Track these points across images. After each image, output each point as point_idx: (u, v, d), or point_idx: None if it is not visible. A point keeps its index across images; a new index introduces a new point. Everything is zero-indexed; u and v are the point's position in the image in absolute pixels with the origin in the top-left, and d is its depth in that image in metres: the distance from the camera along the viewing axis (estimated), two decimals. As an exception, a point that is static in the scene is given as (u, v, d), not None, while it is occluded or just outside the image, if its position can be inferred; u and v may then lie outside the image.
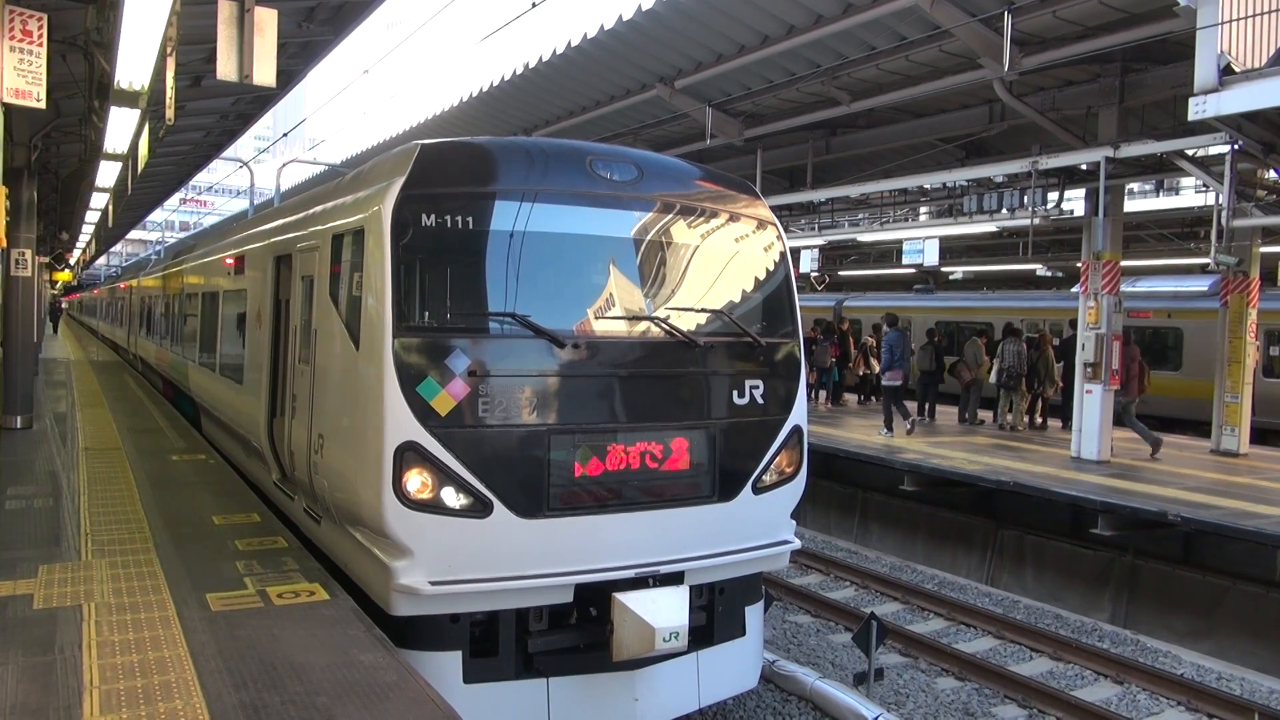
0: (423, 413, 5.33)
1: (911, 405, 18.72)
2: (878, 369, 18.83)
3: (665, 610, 5.69)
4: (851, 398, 21.65)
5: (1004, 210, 14.02)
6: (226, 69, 7.36)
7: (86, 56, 9.50)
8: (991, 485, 12.10)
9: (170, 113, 8.94)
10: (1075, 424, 13.72)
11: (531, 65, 16.21)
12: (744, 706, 7.74)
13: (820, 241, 19.33)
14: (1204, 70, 9.45)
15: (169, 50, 8.40)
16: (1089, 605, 11.27)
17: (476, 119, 19.35)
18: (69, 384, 19.05)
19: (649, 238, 6.22)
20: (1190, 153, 12.11)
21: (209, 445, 11.57)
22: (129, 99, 10.67)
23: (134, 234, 61.09)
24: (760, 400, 6.36)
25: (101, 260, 68.90)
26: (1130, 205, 23.07)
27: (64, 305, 66.30)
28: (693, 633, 5.93)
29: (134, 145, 13.34)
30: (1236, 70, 9.44)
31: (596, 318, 5.93)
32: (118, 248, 68.62)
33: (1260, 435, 16.38)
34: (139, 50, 8.74)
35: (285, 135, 23.27)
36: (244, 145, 27.12)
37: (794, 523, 6.77)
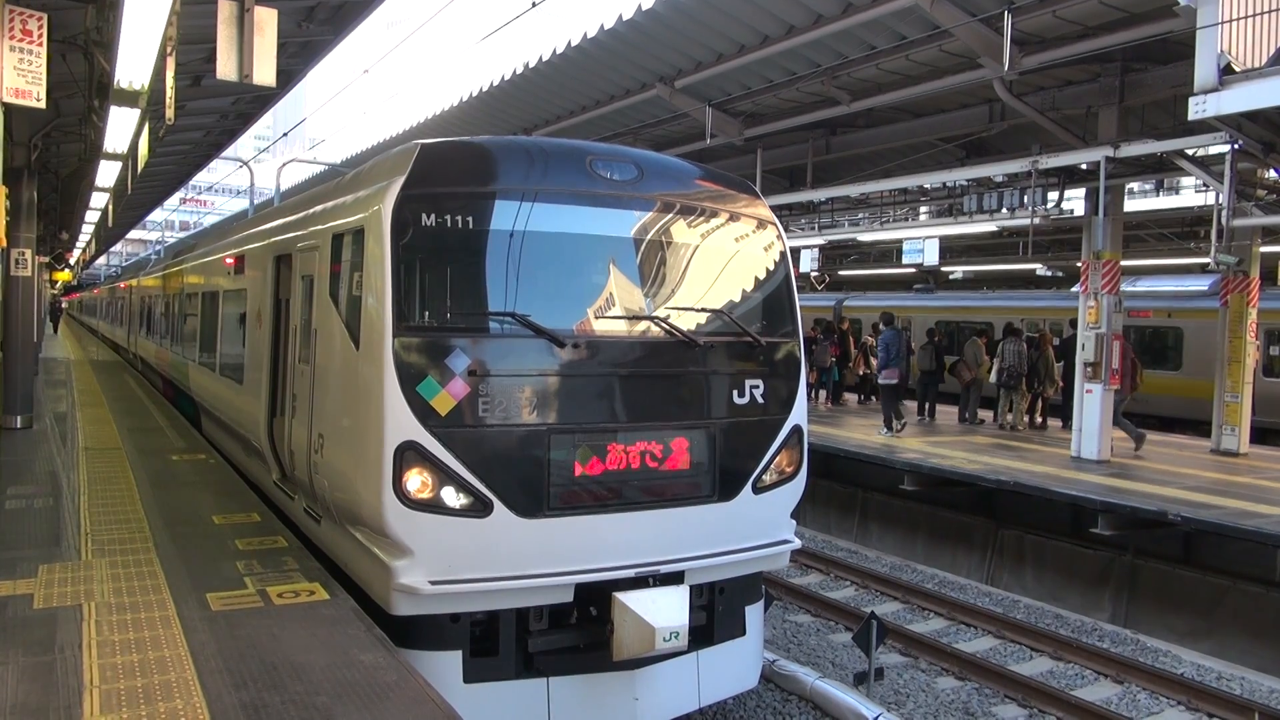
0: (423, 412, 5.33)
1: (911, 405, 18.79)
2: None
3: (665, 610, 5.69)
4: (851, 397, 21.65)
5: (1004, 210, 14.02)
6: (226, 69, 7.36)
7: (86, 56, 9.50)
8: (991, 485, 12.10)
9: (170, 112, 8.93)
10: (1075, 423, 13.73)
11: (531, 65, 16.21)
12: (744, 706, 7.74)
13: (820, 241, 19.34)
14: (1204, 70, 9.45)
15: (169, 50, 8.40)
16: (1089, 605, 11.27)
17: (476, 119, 19.35)
18: (69, 384, 19.05)
19: (649, 237, 6.22)
20: (1190, 152, 12.11)
21: (209, 445, 11.57)
22: (129, 98, 10.66)
23: (134, 234, 61.07)
24: (760, 400, 6.36)
25: (101, 260, 68.89)
26: (1130, 205, 23.07)
27: (64, 305, 66.30)
28: (693, 632, 5.93)
29: (134, 145, 13.34)
30: (1236, 70, 9.44)
31: (596, 317, 5.93)
32: (118, 247, 68.60)
33: (1260, 435, 16.37)
34: (139, 50, 8.73)
35: (285, 135, 23.27)
36: (244, 145, 27.15)
37: (794, 522, 6.77)
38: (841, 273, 30.75)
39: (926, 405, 18.13)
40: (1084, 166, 13.17)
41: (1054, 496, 11.36)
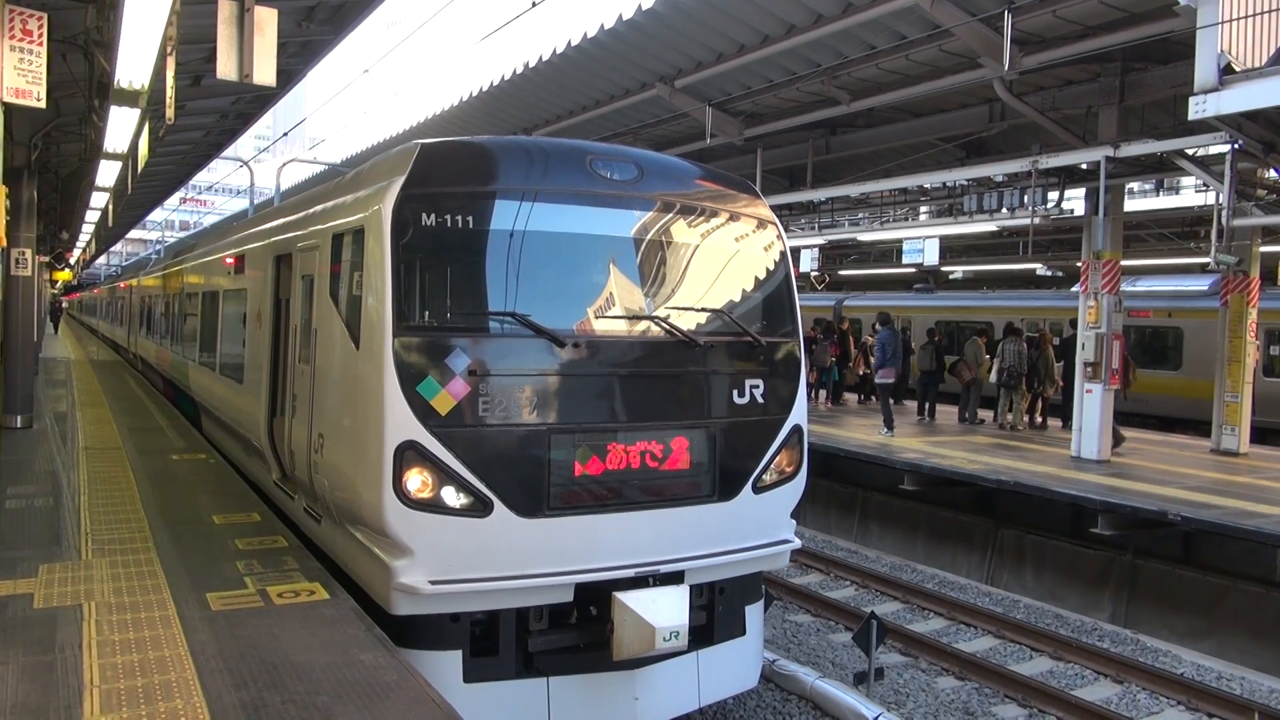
0: (423, 412, 5.34)
1: (911, 405, 18.79)
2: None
3: (665, 609, 5.69)
4: (851, 397, 21.65)
5: (1004, 210, 14.02)
6: (226, 68, 7.36)
7: (86, 56, 9.50)
8: (992, 485, 12.10)
9: (170, 112, 8.93)
10: (1075, 423, 13.73)
11: (531, 64, 16.21)
12: (744, 706, 7.74)
13: (820, 241, 19.35)
14: (1204, 69, 9.45)
15: (169, 50, 8.40)
16: (1089, 605, 11.28)
17: (477, 118, 19.35)
18: (69, 383, 19.05)
19: (649, 237, 6.22)
20: (1190, 152, 12.11)
21: (209, 445, 11.57)
22: (129, 98, 10.67)
23: (134, 233, 61.06)
24: (760, 399, 6.36)
25: (101, 260, 68.89)
26: (1130, 205, 23.08)
27: (64, 305, 66.30)
28: (693, 632, 5.93)
29: (134, 144, 13.35)
30: (1236, 69, 9.44)
31: (597, 317, 5.93)
32: (118, 247, 68.59)
33: (1260, 435, 16.37)
34: (139, 49, 8.73)
35: (285, 134, 23.27)
36: (244, 144, 27.14)
37: (794, 522, 6.77)
38: (841, 272, 30.76)
39: (926, 405, 18.15)
40: (1084, 166, 13.17)
41: (1054, 496, 11.36)
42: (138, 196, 24.75)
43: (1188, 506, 10.27)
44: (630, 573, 5.76)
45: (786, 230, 8.05)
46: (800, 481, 6.69)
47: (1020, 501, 12.11)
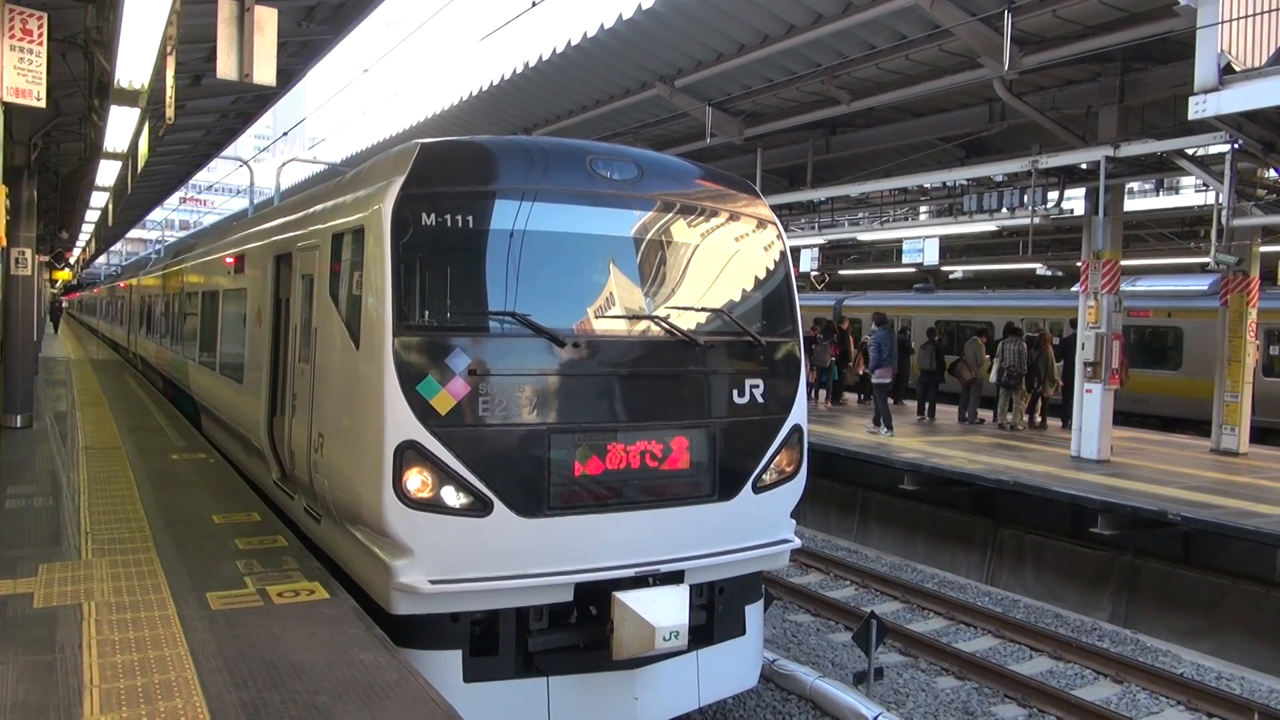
0: (423, 412, 5.33)
1: (911, 405, 18.80)
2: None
3: (665, 609, 5.69)
4: (851, 397, 21.65)
5: (1004, 209, 14.03)
6: (226, 68, 7.35)
7: (86, 55, 9.50)
8: (991, 484, 12.11)
9: (170, 112, 8.93)
10: (1075, 423, 13.73)
11: (532, 64, 16.21)
12: (744, 705, 7.75)
13: (820, 240, 19.35)
14: (1204, 69, 9.45)
15: (169, 49, 8.39)
16: (1089, 604, 11.28)
17: (477, 118, 19.35)
18: (69, 383, 19.05)
19: (649, 237, 6.22)
20: (1190, 152, 12.11)
21: (209, 444, 11.57)
22: (129, 98, 10.66)
23: (134, 233, 61.09)
24: (760, 399, 6.36)
25: (101, 259, 68.89)
26: (1130, 204, 23.08)
27: (64, 304, 66.30)
28: (693, 632, 5.93)
29: (134, 144, 13.34)
30: (1236, 69, 9.44)
31: (597, 317, 5.93)
32: (117, 246, 68.60)
33: (1260, 434, 16.38)
34: (139, 49, 8.73)
35: (285, 134, 23.29)
36: (244, 144, 27.15)
37: (794, 522, 6.77)
38: (841, 272, 30.76)
39: (926, 405, 18.16)
40: (1084, 166, 13.17)
41: (1054, 496, 11.36)
42: (137, 196, 24.75)
43: (1188, 506, 10.27)
44: (630, 572, 5.76)
45: (786, 230, 8.05)
46: (800, 481, 6.69)
47: (1020, 501, 12.11)
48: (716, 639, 6.45)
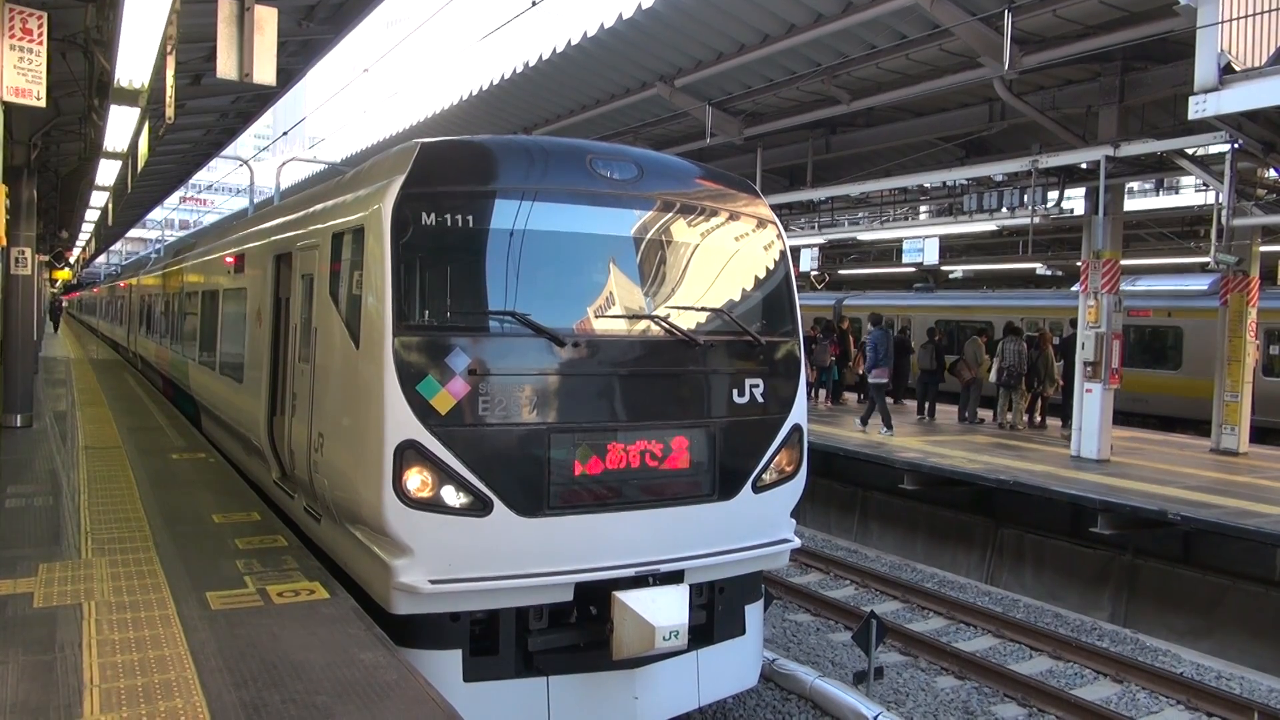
0: (423, 411, 5.33)
1: (911, 404, 18.79)
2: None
3: (665, 609, 5.69)
4: (851, 396, 21.65)
5: (1004, 209, 14.03)
6: (226, 67, 7.35)
7: (86, 55, 9.49)
8: (991, 484, 12.11)
9: (170, 111, 8.93)
10: (1075, 422, 13.74)
11: (532, 64, 16.21)
12: (744, 705, 7.75)
13: (820, 240, 19.34)
14: (1204, 69, 9.45)
15: (169, 49, 8.39)
16: (1088, 604, 11.28)
17: (476, 117, 19.34)
18: (69, 382, 19.05)
19: (649, 236, 6.22)
20: (1190, 151, 12.11)
21: (209, 444, 11.57)
22: (129, 97, 10.64)
23: (134, 232, 61.11)
24: (760, 399, 6.36)
25: (101, 259, 68.90)
26: (1130, 204, 23.06)
27: (64, 304, 66.29)
28: (692, 631, 5.93)
29: (134, 143, 13.32)
30: (1236, 69, 9.44)
31: (597, 316, 5.93)
32: (117, 246, 68.62)
33: (1260, 434, 16.38)
34: (139, 48, 8.71)
35: (285, 134, 23.31)
36: (244, 143, 27.14)
37: (794, 521, 6.77)
38: (841, 272, 30.74)
39: (926, 404, 18.16)
40: (1084, 166, 13.17)
41: (1054, 496, 11.37)
42: (137, 195, 24.74)
43: (1187, 506, 10.27)
44: (630, 572, 5.76)
45: (786, 229, 8.05)
46: (800, 481, 6.69)
47: (1020, 501, 12.11)
48: (716, 639, 6.45)
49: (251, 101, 14.76)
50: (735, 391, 6.28)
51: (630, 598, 5.67)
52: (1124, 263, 14.05)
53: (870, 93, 14.23)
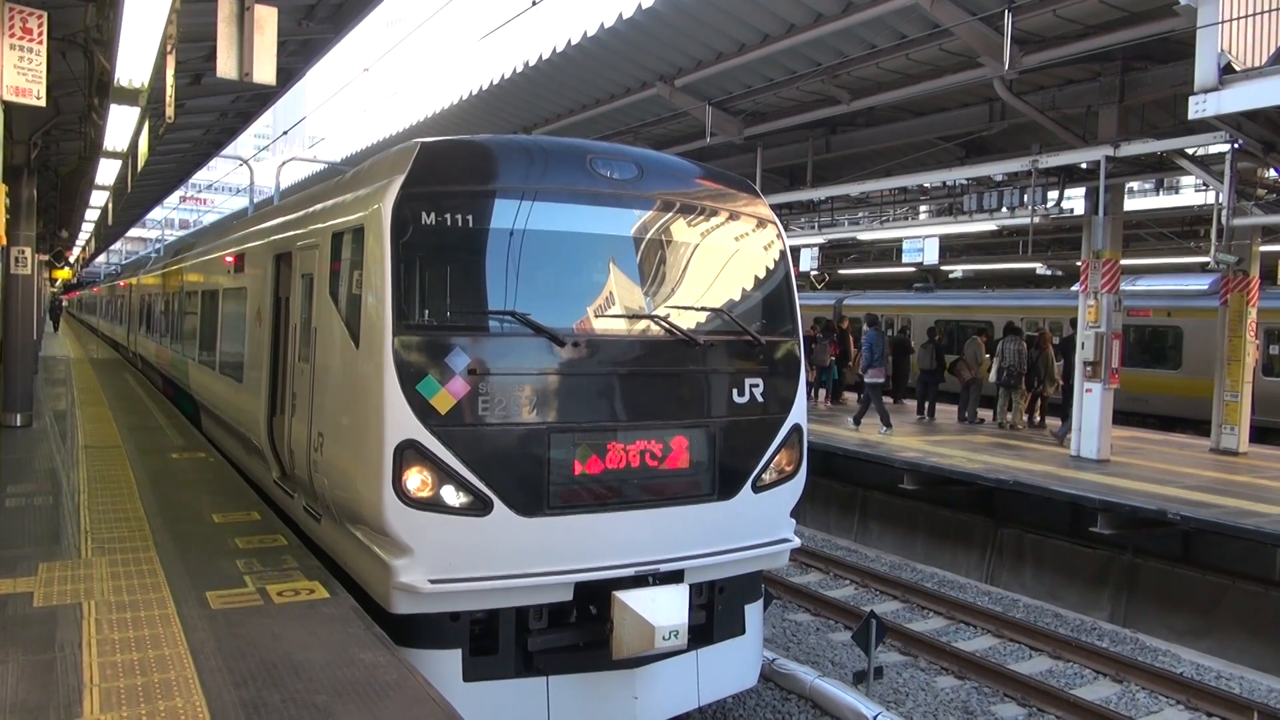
0: (422, 411, 5.33)
1: (911, 404, 18.80)
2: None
3: (665, 608, 5.69)
4: (851, 396, 21.63)
5: (1004, 209, 14.03)
6: (226, 67, 7.35)
7: (86, 54, 9.49)
8: (991, 484, 12.11)
9: (170, 111, 8.93)
10: (1075, 422, 13.74)
11: (532, 63, 16.21)
12: (743, 705, 7.75)
13: (820, 240, 19.34)
14: (1204, 69, 9.45)
15: (169, 48, 8.39)
16: (1088, 604, 11.28)
17: (476, 117, 19.34)
18: (69, 382, 19.04)
19: (649, 236, 6.22)
20: (1190, 151, 12.11)
21: (209, 443, 11.57)
22: (129, 97, 10.64)
23: (133, 232, 61.10)
24: (760, 399, 6.36)
25: (101, 258, 68.90)
26: (1130, 204, 23.06)
27: (64, 303, 66.30)
28: (692, 631, 5.93)
29: (134, 143, 13.33)
30: (1237, 69, 9.44)
31: (596, 316, 5.93)
32: (117, 245, 68.61)
33: (1260, 434, 16.39)
34: (139, 48, 8.71)
35: (285, 133, 23.29)
36: (244, 143, 27.14)
37: (794, 521, 6.77)
38: (841, 271, 30.73)
39: (926, 404, 18.17)
40: (1084, 165, 13.17)
41: (1053, 495, 11.37)
42: (137, 195, 24.74)
43: (1187, 506, 10.27)
44: (630, 572, 5.76)
45: (786, 229, 8.06)
46: (800, 480, 6.69)
47: (1020, 500, 12.11)
48: (716, 638, 6.45)
49: (251, 101, 14.76)
50: (735, 391, 6.28)
51: (630, 597, 5.67)
52: (1124, 263, 14.05)
53: (870, 92, 14.23)
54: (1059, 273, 25.80)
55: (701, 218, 6.49)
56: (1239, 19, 9.47)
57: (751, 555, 6.38)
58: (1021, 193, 13.56)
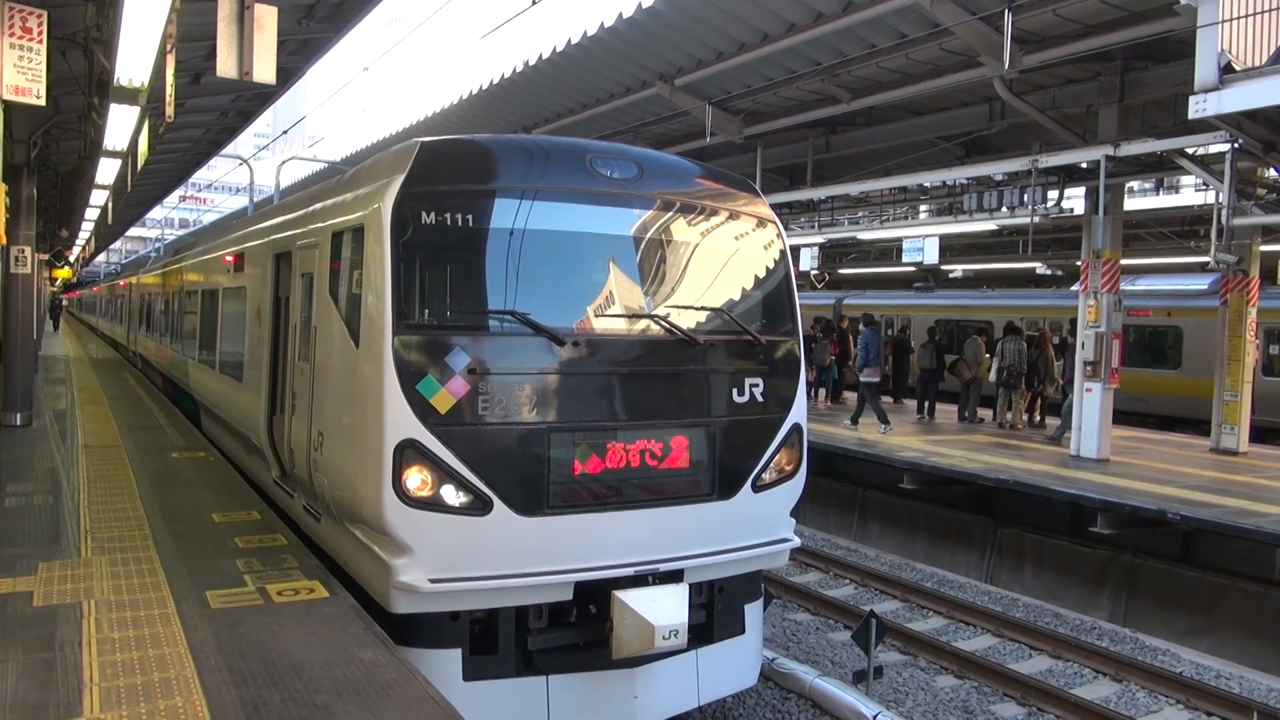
0: (422, 410, 5.33)
1: (911, 404, 18.80)
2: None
3: (665, 608, 5.69)
4: (851, 395, 21.62)
5: (1004, 208, 14.03)
6: (226, 66, 7.35)
7: (86, 53, 9.49)
8: (991, 483, 12.11)
9: (170, 110, 8.93)
10: (1075, 422, 13.74)
11: (532, 63, 16.21)
12: (743, 704, 7.75)
13: (820, 239, 19.35)
14: (1204, 69, 9.45)
15: (169, 47, 8.39)
16: (1088, 603, 11.28)
17: (476, 116, 19.34)
18: (68, 381, 19.04)
19: (649, 236, 6.22)
20: (1190, 151, 12.11)
21: (209, 442, 11.57)
22: (129, 96, 10.64)
23: (133, 231, 61.08)
24: (760, 398, 6.36)
25: (101, 257, 68.89)
26: (1130, 203, 23.06)
27: (63, 302, 66.31)
28: (692, 630, 5.93)
29: (134, 142, 13.32)
30: (1237, 69, 9.44)
31: (596, 315, 5.93)
32: (117, 245, 68.59)
33: (1260, 434, 16.39)
34: (139, 47, 8.70)
35: (285, 132, 23.29)
36: (244, 142, 27.13)
37: (793, 520, 6.77)
38: (841, 271, 30.74)
39: (926, 404, 18.17)
40: (1084, 165, 13.16)
41: (1053, 495, 11.37)
42: (137, 194, 24.74)
43: (1187, 505, 10.27)
44: (629, 571, 5.76)
45: (786, 229, 8.05)
46: (800, 480, 6.69)
47: (1019, 500, 12.12)
48: (716, 638, 6.45)
49: (251, 100, 14.76)
50: (735, 391, 6.28)
51: (630, 597, 5.67)
52: (1124, 262, 14.05)
53: (870, 92, 14.23)
54: (1059, 272, 25.81)
55: (701, 217, 6.49)
56: (1239, 19, 9.47)
57: (751, 555, 6.38)
58: (1021, 192, 13.56)
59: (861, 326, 17.42)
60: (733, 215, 6.66)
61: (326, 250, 6.56)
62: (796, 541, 6.76)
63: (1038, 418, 17.41)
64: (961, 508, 13.38)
